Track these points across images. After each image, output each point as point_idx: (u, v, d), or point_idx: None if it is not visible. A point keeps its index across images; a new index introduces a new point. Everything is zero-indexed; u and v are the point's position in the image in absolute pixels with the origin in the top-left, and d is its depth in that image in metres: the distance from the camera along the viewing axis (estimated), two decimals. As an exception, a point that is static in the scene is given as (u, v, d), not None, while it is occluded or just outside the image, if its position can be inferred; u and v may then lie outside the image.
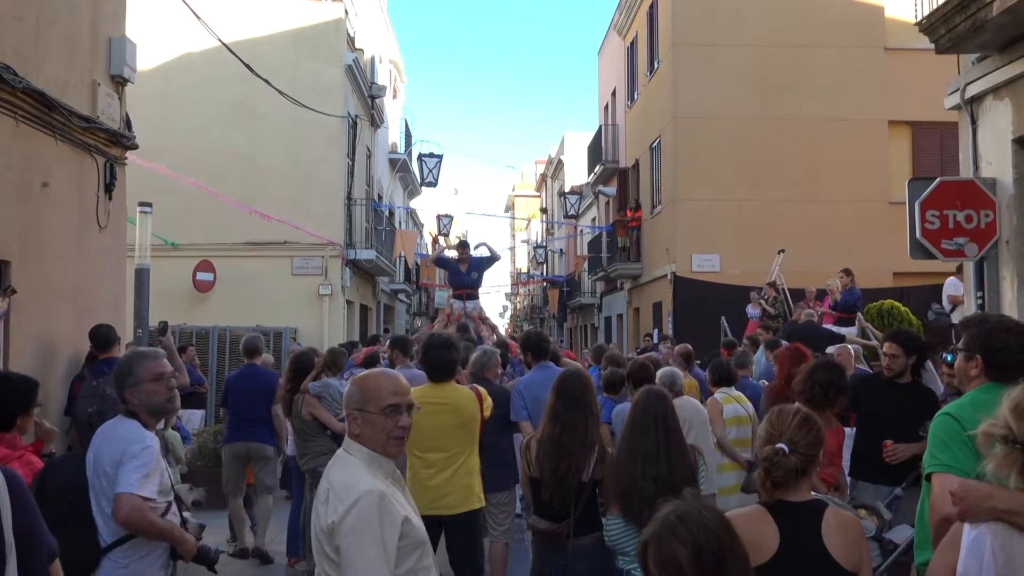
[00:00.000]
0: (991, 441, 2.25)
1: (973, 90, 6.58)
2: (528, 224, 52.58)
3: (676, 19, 18.15)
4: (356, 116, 18.88)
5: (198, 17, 9.48)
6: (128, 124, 7.57)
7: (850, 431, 5.43)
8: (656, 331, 17.65)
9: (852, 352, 7.75)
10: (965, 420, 2.83)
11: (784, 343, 8.91)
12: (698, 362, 10.16)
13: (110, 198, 7.12)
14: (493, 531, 5.96)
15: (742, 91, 17.66)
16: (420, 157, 23.57)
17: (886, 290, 14.53)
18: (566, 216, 31.56)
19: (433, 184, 23.60)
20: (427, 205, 36.73)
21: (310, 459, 6.82)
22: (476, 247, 12.04)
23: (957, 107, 6.85)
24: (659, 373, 6.45)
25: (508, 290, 56.58)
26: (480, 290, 11.55)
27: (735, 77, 17.64)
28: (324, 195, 17.07)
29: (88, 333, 6.32)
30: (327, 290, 16.87)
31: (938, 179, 6.65)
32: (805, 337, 8.43)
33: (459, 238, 18.68)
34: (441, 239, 30.29)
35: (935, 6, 6.33)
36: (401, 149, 26.57)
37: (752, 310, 14.11)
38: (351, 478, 2.55)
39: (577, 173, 34.31)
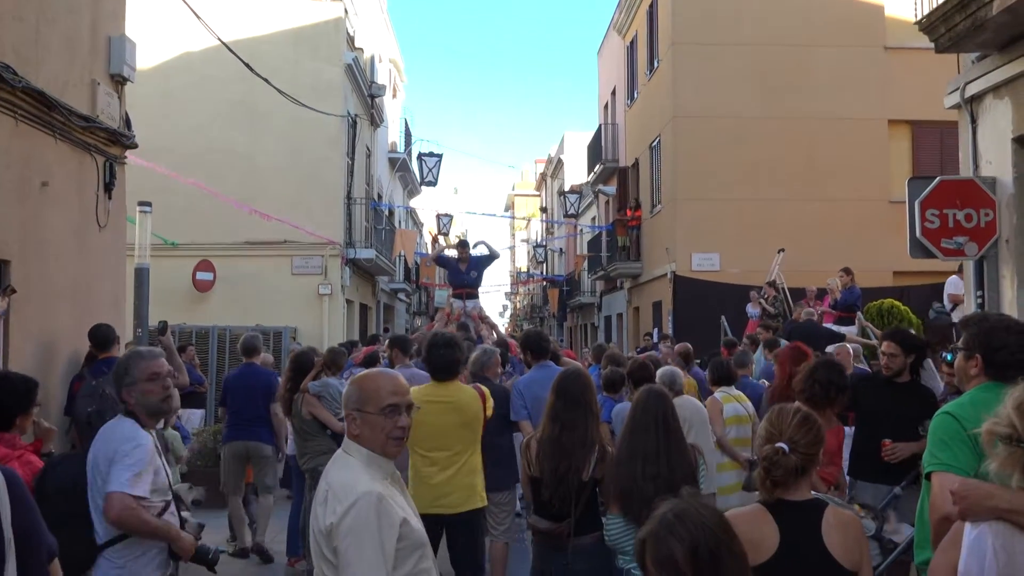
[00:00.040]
0: (994, 440, 2.25)
1: (973, 89, 6.58)
2: (528, 223, 52.58)
3: (676, 18, 18.15)
4: (356, 115, 18.88)
5: (198, 16, 9.47)
6: (128, 123, 7.56)
7: (849, 430, 5.43)
8: (656, 330, 17.64)
9: (851, 351, 7.75)
10: (965, 419, 2.83)
11: (784, 342, 8.92)
12: (697, 361, 10.16)
13: (110, 197, 7.12)
14: (493, 530, 5.96)
15: (742, 90, 17.65)
16: (420, 156, 23.58)
17: (886, 289, 14.53)
18: (566, 215, 31.57)
19: (433, 183, 23.61)
20: (427, 204, 36.82)
21: (310, 458, 6.82)
22: (475, 246, 12.03)
23: (957, 106, 6.85)
24: (659, 372, 6.46)
25: (508, 289, 56.60)
26: (480, 289, 11.55)
27: (735, 76, 17.63)
28: (324, 194, 17.07)
29: (87, 333, 6.31)
30: (327, 289, 16.87)
31: (938, 178, 6.65)
32: (805, 336, 8.43)
33: (459, 237, 18.66)
34: (441, 238, 30.28)
35: (935, 5, 6.32)
36: (401, 148, 26.58)
37: (752, 309, 14.11)
38: (350, 479, 2.53)
39: (577, 172, 34.31)
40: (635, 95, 22.57)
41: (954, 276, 10.22)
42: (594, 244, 26.14)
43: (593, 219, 29.45)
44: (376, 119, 22.00)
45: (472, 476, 5.24)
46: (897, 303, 12.58)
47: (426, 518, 4.66)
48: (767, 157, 17.42)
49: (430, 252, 29.33)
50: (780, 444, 2.64)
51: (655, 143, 19.90)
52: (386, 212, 22.93)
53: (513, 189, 58.99)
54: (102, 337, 6.28)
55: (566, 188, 33.91)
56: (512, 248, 58.26)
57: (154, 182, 12.42)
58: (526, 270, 51.66)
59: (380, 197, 23.02)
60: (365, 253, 18.59)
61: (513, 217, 50.51)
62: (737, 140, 17.50)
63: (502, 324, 39.39)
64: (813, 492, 2.76)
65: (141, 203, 7.84)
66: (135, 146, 7.67)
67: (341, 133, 17.33)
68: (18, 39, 5.80)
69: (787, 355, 6.08)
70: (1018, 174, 6.20)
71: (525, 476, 4.53)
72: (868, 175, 17.38)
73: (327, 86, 16.87)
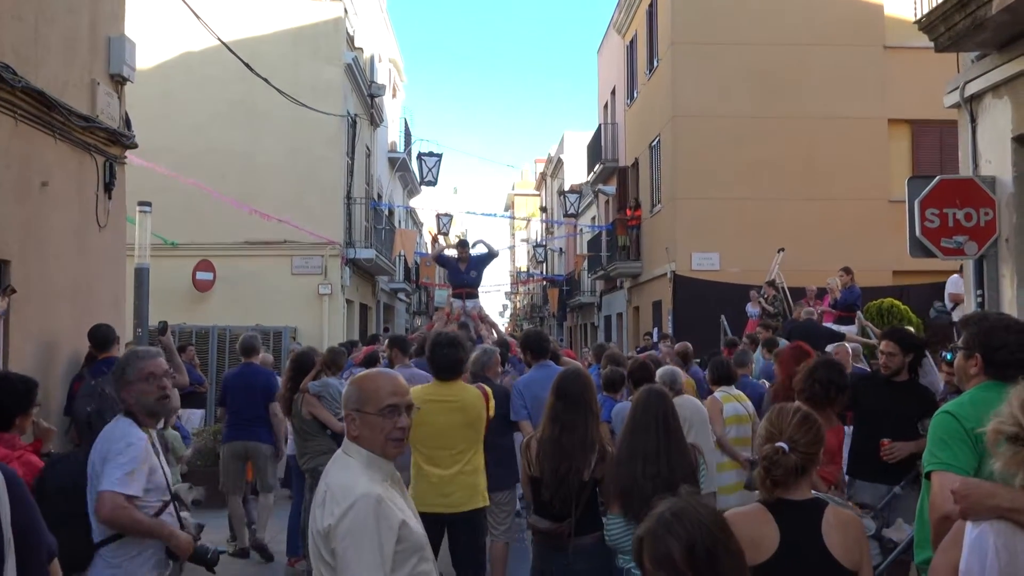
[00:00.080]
0: (999, 440, 2.24)
1: (972, 88, 6.58)
2: (528, 223, 52.58)
3: (675, 18, 18.15)
4: (355, 115, 18.88)
5: (197, 16, 9.47)
6: (128, 123, 7.56)
7: (847, 430, 5.43)
8: (656, 330, 17.64)
9: (849, 350, 7.75)
10: (964, 418, 2.83)
11: (783, 342, 8.92)
12: (697, 361, 10.16)
13: (109, 197, 7.12)
14: (494, 530, 5.96)
15: (741, 89, 17.65)
16: (420, 156, 23.59)
17: (886, 288, 14.53)
18: (566, 215, 31.57)
19: (433, 183, 23.62)
20: (427, 204, 36.85)
21: (310, 458, 6.82)
22: (473, 245, 12.03)
23: (956, 105, 6.84)
24: (659, 372, 6.46)
25: (508, 289, 56.58)
26: (480, 289, 11.55)
27: (734, 76, 17.63)
28: (324, 194, 17.08)
29: (87, 333, 6.31)
30: (327, 289, 16.88)
31: (938, 177, 6.65)
32: (805, 335, 8.43)
33: (459, 237, 18.67)
34: (441, 238, 30.28)
35: (934, 4, 6.32)
36: (401, 148, 26.58)
37: (752, 309, 14.11)
38: (348, 481, 2.52)
39: (577, 172, 34.30)
40: (635, 95, 22.57)
41: (955, 275, 10.21)
42: (594, 244, 26.14)
43: (593, 219, 29.44)
44: (376, 119, 22.01)
45: (475, 475, 5.25)
46: (897, 302, 12.59)
47: (428, 517, 4.67)
48: (767, 157, 17.42)
49: (430, 252, 29.31)
50: (780, 443, 2.64)
51: (655, 143, 19.90)
52: (386, 212, 22.94)
53: (513, 189, 58.98)
54: (102, 337, 6.28)
55: (566, 188, 33.91)
56: (512, 248, 58.25)
57: (154, 182, 12.41)
58: (526, 270, 51.67)
59: (380, 197, 23.02)
60: (365, 253, 18.59)
61: (513, 217, 50.51)
62: (737, 139, 17.49)
63: (502, 324, 39.38)
64: (813, 491, 2.76)
65: (141, 203, 7.84)
66: (135, 146, 7.67)
67: (341, 133, 17.33)
68: (17, 39, 5.80)
69: (789, 355, 6.08)
70: (1018, 173, 6.20)
71: (525, 476, 4.53)
72: (868, 174, 17.38)
73: (327, 86, 16.88)
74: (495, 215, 51.00)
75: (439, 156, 23.17)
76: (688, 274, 17.35)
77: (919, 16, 6.61)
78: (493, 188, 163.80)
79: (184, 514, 3.72)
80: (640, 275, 21.57)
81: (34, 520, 2.64)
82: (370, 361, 8.49)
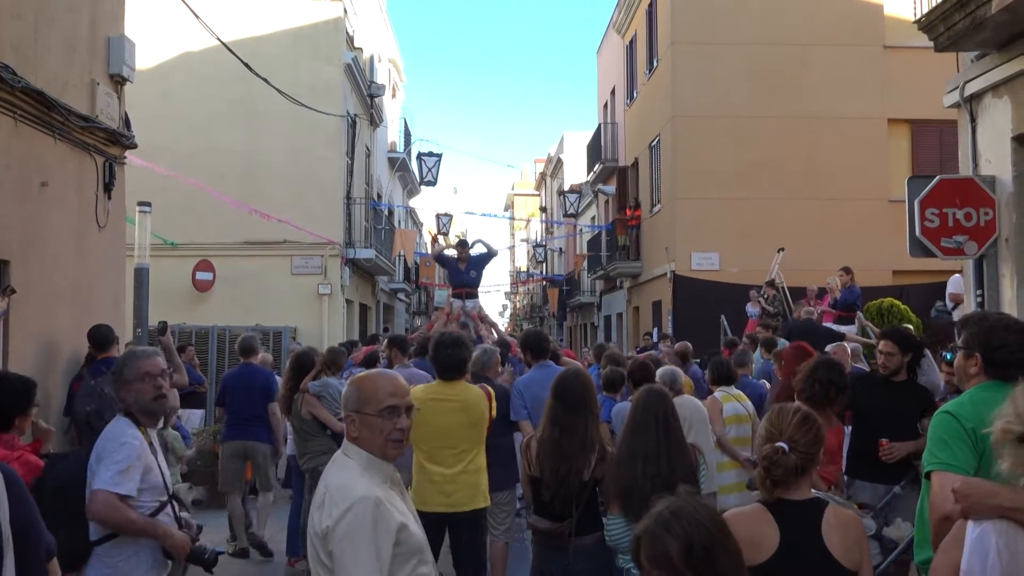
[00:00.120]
0: (1005, 440, 2.23)
1: (972, 88, 6.58)
2: (527, 223, 52.58)
3: (675, 17, 18.15)
4: (355, 115, 18.88)
5: (197, 16, 9.46)
6: (127, 123, 7.56)
7: (847, 429, 5.42)
8: (656, 330, 17.64)
9: (849, 350, 7.75)
10: (964, 418, 2.83)
11: (782, 342, 8.91)
12: (697, 360, 10.16)
13: (109, 197, 7.11)
14: (494, 530, 5.96)
15: (741, 89, 17.65)
16: (419, 156, 23.59)
17: (886, 288, 14.52)
18: (565, 215, 31.56)
19: (432, 183, 23.61)
20: (426, 204, 36.82)
21: (310, 458, 6.83)
22: (472, 244, 12.04)
23: (956, 105, 6.84)
24: (659, 372, 6.46)
25: (508, 289, 56.58)
26: (479, 289, 11.55)
27: (734, 75, 17.63)
28: (323, 194, 17.08)
29: (87, 333, 6.31)
30: (326, 289, 16.88)
31: (938, 177, 6.65)
32: (805, 335, 8.42)
33: (458, 237, 18.66)
34: (440, 238, 30.28)
35: (934, 4, 6.32)
36: (400, 148, 26.58)
37: (752, 308, 14.11)
38: (347, 482, 2.50)
39: (576, 172, 34.30)
40: (634, 95, 22.57)
41: (956, 275, 10.21)
42: (594, 244, 26.14)
43: (593, 219, 29.44)
44: (375, 119, 22.00)
45: (477, 475, 5.26)
46: (897, 302, 12.58)
47: (430, 516, 4.67)
48: (767, 156, 17.42)
49: (430, 251, 29.31)
50: (780, 443, 2.64)
51: (654, 142, 19.90)
52: (386, 212, 22.94)
53: (513, 189, 58.97)
54: (101, 337, 6.28)
55: (566, 188, 33.91)
56: (512, 248, 58.25)
57: (154, 182, 12.41)
58: (526, 270, 51.66)
59: (380, 197, 23.02)
60: (365, 253, 18.59)
61: (513, 217, 50.53)
62: (737, 139, 17.49)
63: (502, 324, 39.37)
64: (813, 491, 2.76)
65: (141, 203, 7.84)
66: (135, 146, 7.66)
67: (340, 133, 17.33)
68: (17, 39, 5.79)
69: (790, 355, 6.08)
70: (1017, 173, 6.20)
71: (525, 476, 4.53)
72: (868, 174, 17.37)
73: (326, 86, 16.88)
74: (495, 215, 51.08)
75: (439, 156, 23.17)
76: (688, 274, 17.35)
77: (919, 16, 6.61)
78: (493, 188, 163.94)
79: (184, 514, 3.71)
80: (640, 275, 21.57)
81: (33, 519, 2.64)
82: (370, 361, 8.49)
